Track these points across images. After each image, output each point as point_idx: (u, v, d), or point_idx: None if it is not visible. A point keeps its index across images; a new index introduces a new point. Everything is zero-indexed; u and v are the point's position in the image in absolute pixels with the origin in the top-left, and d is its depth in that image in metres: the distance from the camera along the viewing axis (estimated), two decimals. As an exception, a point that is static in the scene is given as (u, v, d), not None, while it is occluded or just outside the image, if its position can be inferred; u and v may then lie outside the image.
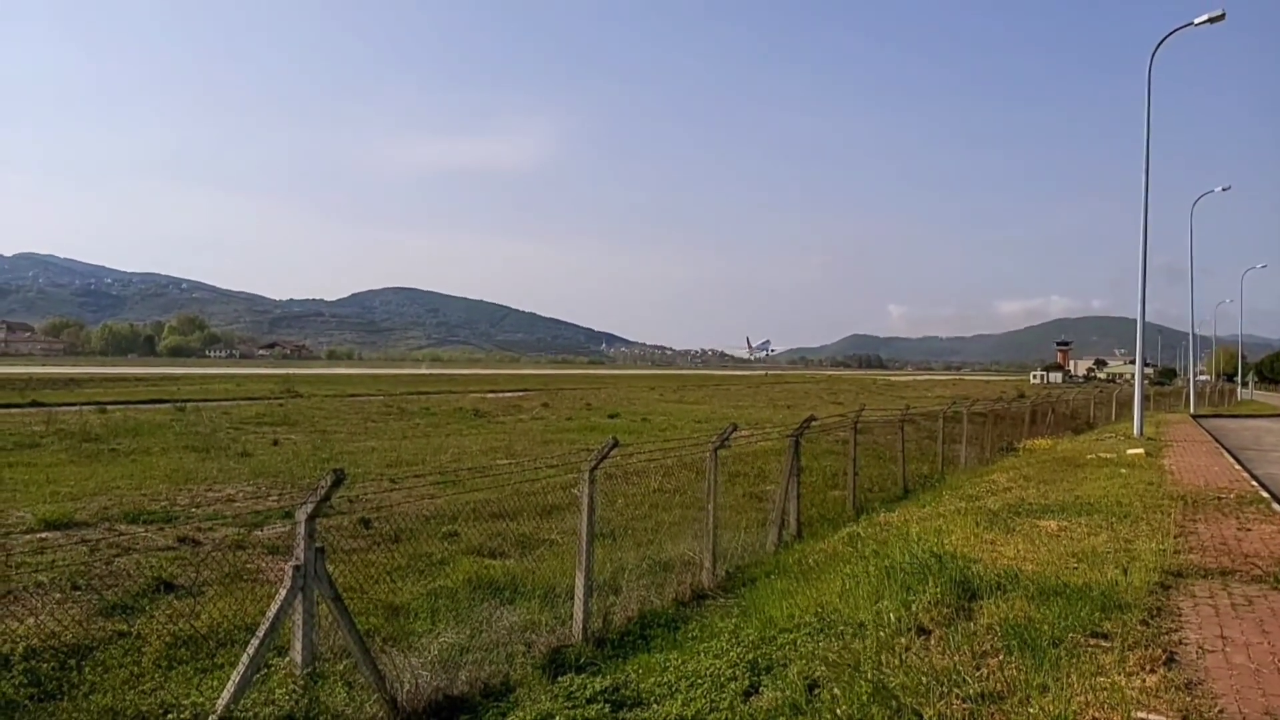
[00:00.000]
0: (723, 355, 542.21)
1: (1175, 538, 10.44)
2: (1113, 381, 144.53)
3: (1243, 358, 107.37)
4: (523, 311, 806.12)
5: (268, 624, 5.38)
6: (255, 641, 5.35)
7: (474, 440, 24.97)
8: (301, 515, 5.54)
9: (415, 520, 12.06)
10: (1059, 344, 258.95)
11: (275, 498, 14.29)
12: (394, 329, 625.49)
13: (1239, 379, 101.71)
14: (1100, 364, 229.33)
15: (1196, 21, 26.49)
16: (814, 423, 14.30)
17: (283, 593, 5.47)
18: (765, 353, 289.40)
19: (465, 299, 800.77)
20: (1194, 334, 60.90)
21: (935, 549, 9.45)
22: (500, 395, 54.53)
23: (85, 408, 32.75)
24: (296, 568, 5.50)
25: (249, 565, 9.97)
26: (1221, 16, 26.03)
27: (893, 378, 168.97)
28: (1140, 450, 21.44)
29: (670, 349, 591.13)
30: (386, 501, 13.03)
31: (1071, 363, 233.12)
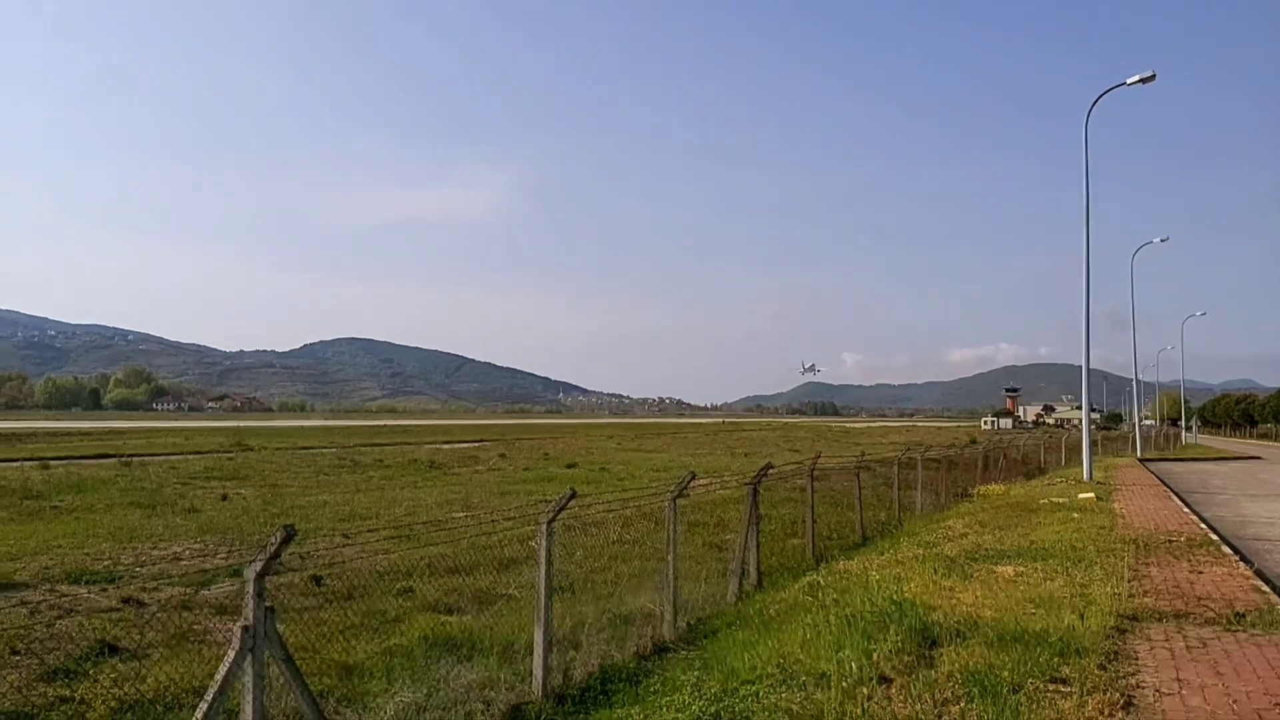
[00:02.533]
0: (680, 403, 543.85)
1: (1129, 581, 10.58)
2: (1061, 426, 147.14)
3: (1186, 402, 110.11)
4: (479, 361, 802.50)
5: (216, 687, 5.20)
6: (204, 705, 5.17)
7: (429, 493, 24.63)
8: (250, 573, 5.39)
9: (369, 576, 11.82)
10: (1008, 390, 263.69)
11: (224, 555, 13.93)
12: (347, 380, 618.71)
13: (1183, 423, 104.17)
14: (1048, 409, 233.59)
15: (1129, 81, 27.55)
16: (772, 470, 14.32)
17: (231, 654, 5.30)
18: (814, 373, 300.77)
19: (420, 349, 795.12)
20: (1137, 380, 62.41)
21: (895, 597, 9.47)
22: (456, 446, 53.97)
23: (27, 463, 31.80)
24: (246, 628, 5.34)
25: (196, 626, 9.67)
26: (1152, 77, 27.12)
27: (848, 424, 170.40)
28: (1091, 494, 21.78)
29: (628, 397, 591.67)
30: (339, 557, 12.76)
31: (1020, 409, 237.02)
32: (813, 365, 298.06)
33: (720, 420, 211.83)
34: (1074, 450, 43.42)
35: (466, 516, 17.79)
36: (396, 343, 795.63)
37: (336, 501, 21.86)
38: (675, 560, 10.07)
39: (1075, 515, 17.72)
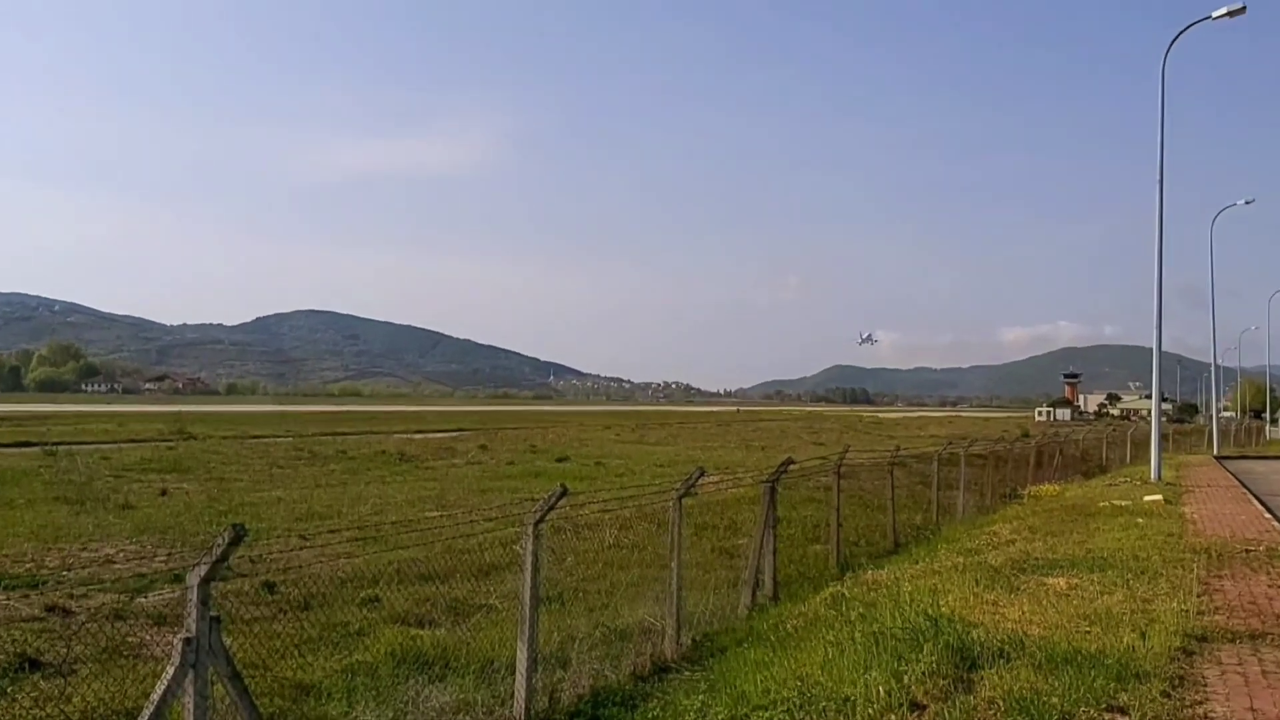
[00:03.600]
0: (688, 389, 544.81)
1: (1198, 596, 10.63)
2: (1127, 419, 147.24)
3: (1271, 391, 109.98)
4: (457, 338, 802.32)
5: (152, 708, 5.25)
6: (137, 729, 5.23)
7: (399, 489, 24.75)
8: (194, 579, 5.43)
9: (329, 583, 11.89)
10: (1066, 376, 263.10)
11: (163, 558, 14.02)
12: (305, 359, 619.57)
13: (1267, 415, 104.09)
14: (1113, 399, 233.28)
15: (1215, 15, 27.37)
16: (792, 466, 14.38)
17: (170, 670, 5.35)
18: (872, 343, 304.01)
19: (390, 324, 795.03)
20: (1216, 365, 62.35)
21: (930, 611, 9.52)
22: (430, 436, 54.13)
23: (-64, 452, 31.91)
24: (187, 640, 5.38)
25: (131, 638, 9.74)
26: (1242, 10, 26.94)
27: (881, 414, 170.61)
28: (1158, 496, 21.84)
29: (628, 382, 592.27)
30: (295, 561, 12.80)
31: (1081, 397, 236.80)
32: (869, 335, 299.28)
33: (734, 409, 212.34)
34: (1141, 446, 43.51)
35: (441, 516, 17.86)
36: (362, 316, 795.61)
37: (292, 498, 21.96)
38: (679, 568, 10.13)
39: (1139, 520, 17.79)
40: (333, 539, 13.89)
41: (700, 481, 11.09)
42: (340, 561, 12.62)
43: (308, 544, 14.58)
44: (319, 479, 27.25)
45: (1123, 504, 20.73)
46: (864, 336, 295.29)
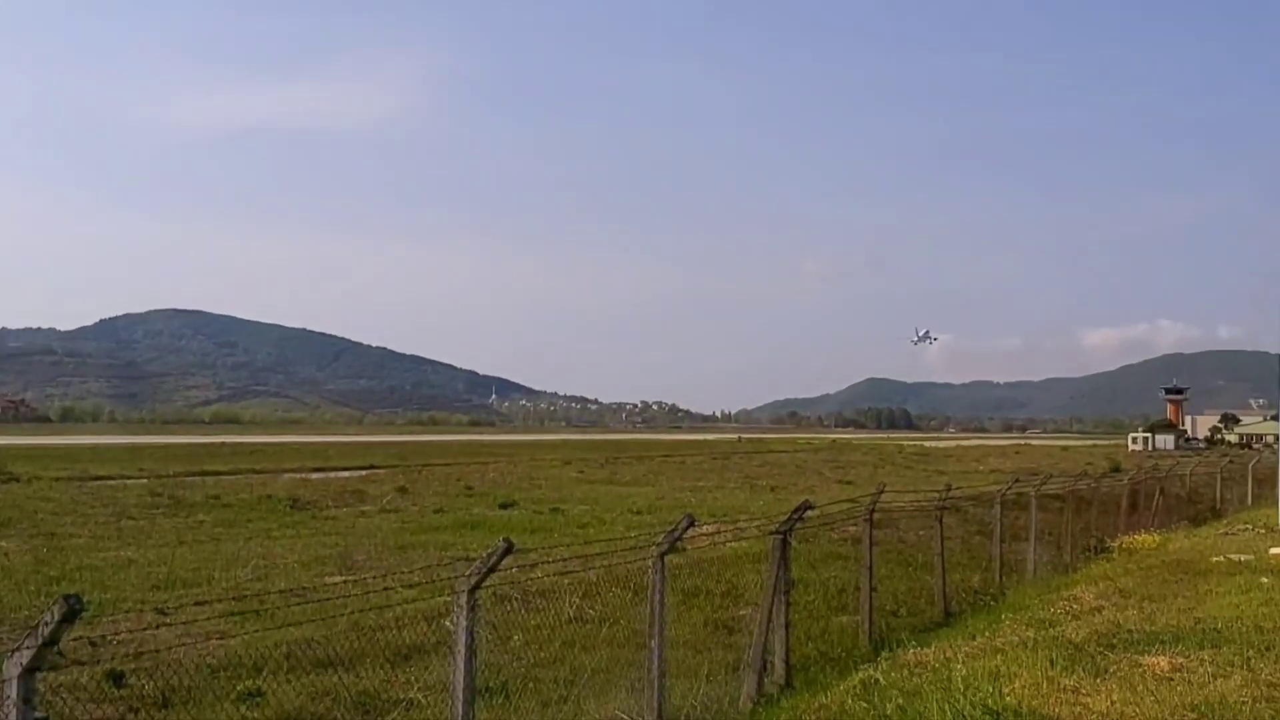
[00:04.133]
0: (674, 411, 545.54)
1: (1341, 679, 10.70)
2: (1249, 446, 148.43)
3: None
4: (369, 346, 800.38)
5: (-42, 841, 5.20)
6: None
7: (290, 546, 24.66)
8: (13, 669, 5.40)
9: (196, 673, 11.82)
10: (1169, 392, 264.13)
11: (-26, 640, 13.89)
12: (166, 374, 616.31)
13: None
14: (1230, 420, 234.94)
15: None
16: (810, 512, 14.40)
17: (-17, 791, 5.31)
18: (929, 341, 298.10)
19: (279, 328, 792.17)
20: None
21: (990, 703, 9.57)
22: (332, 475, 54.00)
23: None
24: (5, 751, 5.35)
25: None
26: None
27: (927, 442, 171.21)
28: (1288, 549, 22.00)
29: (595, 402, 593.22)
30: (151, 644, 12.73)
31: (1188, 419, 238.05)
32: (926, 333, 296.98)
33: (735, 436, 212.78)
34: (1266, 482, 43.78)
35: (346, 582, 17.80)
36: (242, 318, 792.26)
37: (148, 559, 21.84)
38: (662, 647, 10.13)
39: (1264, 580, 17.93)
40: (201, 614, 13.82)
41: (689, 533, 11.10)
42: (211, 644, 12.57)
43: (168, 621, 14.49)
44: (183, 533, 27.11)
45: (1242, 559, 20.88)
46: (920, 334, 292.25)
